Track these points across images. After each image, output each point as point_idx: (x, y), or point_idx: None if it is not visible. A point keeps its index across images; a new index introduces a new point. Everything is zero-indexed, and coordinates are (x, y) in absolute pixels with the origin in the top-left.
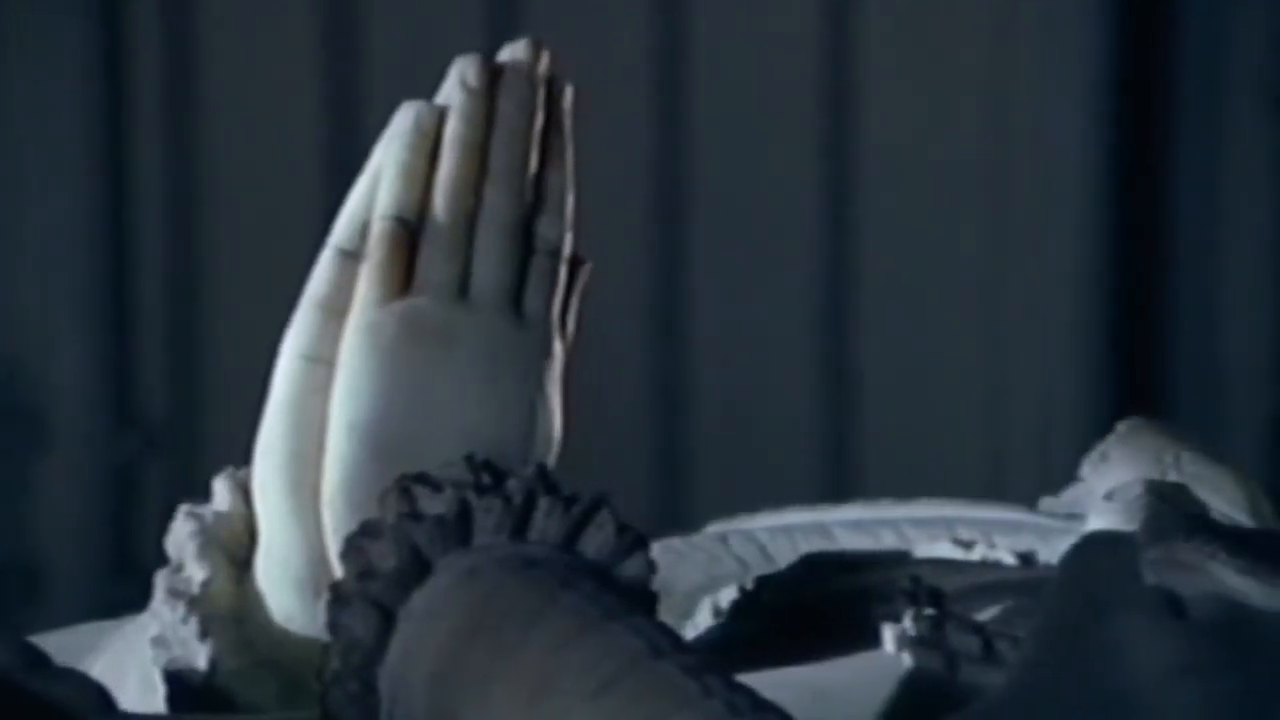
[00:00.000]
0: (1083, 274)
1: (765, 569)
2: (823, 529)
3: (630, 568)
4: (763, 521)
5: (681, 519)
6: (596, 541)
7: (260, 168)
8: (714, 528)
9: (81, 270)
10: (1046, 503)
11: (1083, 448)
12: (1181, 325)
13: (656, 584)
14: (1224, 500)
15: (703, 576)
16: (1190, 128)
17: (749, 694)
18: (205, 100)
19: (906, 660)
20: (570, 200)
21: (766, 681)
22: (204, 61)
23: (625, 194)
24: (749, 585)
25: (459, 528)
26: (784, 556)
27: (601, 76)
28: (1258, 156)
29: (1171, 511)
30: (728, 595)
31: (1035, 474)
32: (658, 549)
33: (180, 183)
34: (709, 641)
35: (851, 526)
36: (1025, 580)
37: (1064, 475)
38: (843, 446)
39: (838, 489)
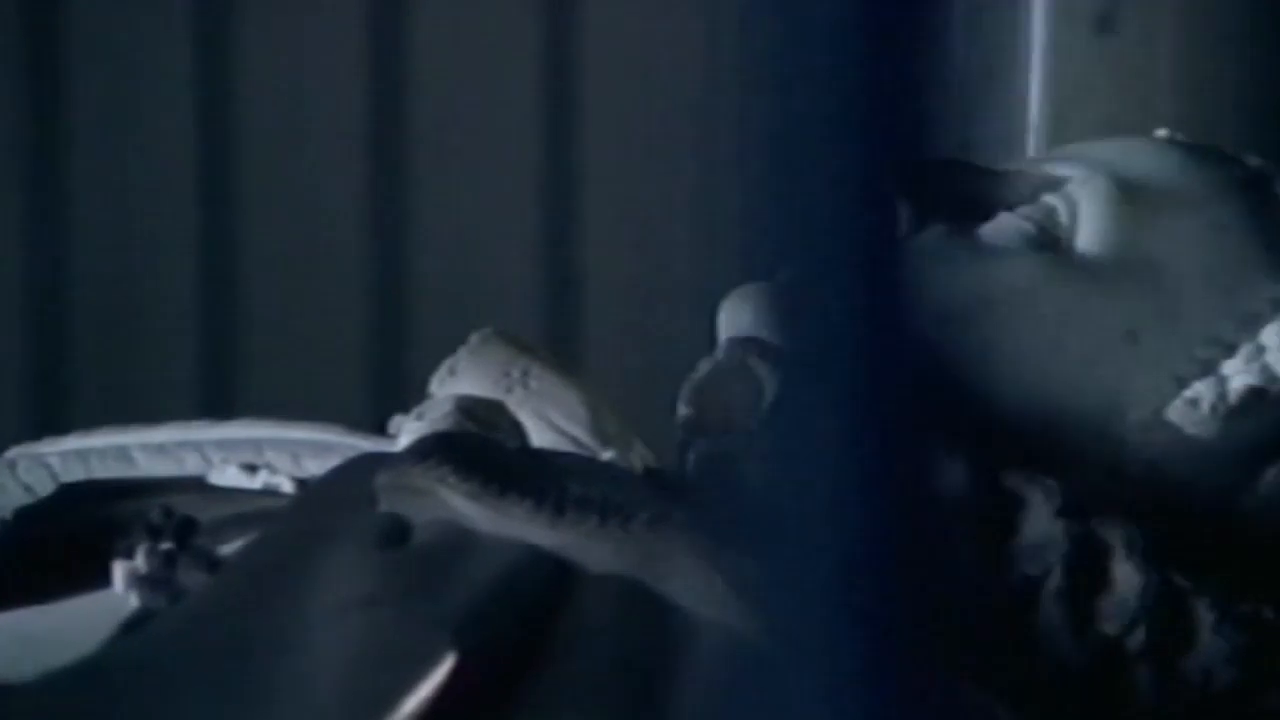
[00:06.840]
0: None
1: None
2: (123, 453)
3: None
4: (65, 445)
5: None
6: None
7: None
8: (13, 452)
9: None
10: (396, 422)
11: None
12: None
13: None
14: (566, 416)
15: None
16: None
17: None
18: None
19: (134, 600)
20: None
21: None
22: None
23: (346, 95)
24: (8, 516)
25: None
26: None
27: None
28: None
29: (433, 433)
30: None
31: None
32: None
33: None
34: None
35: (154, 450)
36: (282, 509)
37: None
38: (568, 348)
39: None
